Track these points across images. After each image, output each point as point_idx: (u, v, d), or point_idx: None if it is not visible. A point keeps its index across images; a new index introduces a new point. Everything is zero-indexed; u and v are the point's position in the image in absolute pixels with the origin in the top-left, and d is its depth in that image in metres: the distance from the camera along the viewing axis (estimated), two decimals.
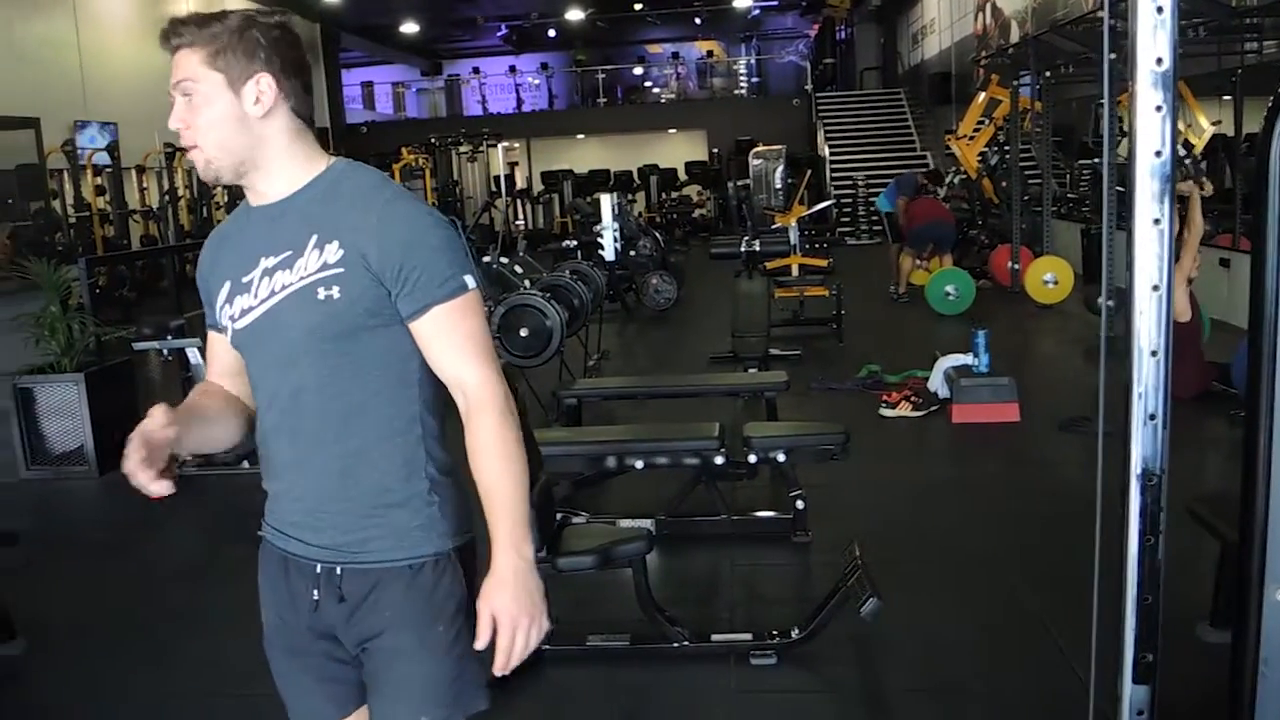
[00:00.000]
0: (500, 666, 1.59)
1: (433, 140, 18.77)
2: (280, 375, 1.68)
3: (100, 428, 5.97)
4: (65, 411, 6.02)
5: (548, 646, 3.46)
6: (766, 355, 7.67)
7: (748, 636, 3.50)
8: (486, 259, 8.49)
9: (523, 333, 6.81)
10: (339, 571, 1.70)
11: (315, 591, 1.72)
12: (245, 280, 1.69)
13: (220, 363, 1.83)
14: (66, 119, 13.28)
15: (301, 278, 1.63)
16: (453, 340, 1.64)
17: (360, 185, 1.68)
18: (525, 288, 7.65)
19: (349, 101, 25.03)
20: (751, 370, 7.39)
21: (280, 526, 1.76)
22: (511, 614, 1.59)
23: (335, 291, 1.61)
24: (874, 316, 10.27)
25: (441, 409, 1.75)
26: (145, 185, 15.23)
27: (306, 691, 1.82)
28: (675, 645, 3.47)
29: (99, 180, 13.50)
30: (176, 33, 1.63)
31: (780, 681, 3.35)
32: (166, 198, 14.69)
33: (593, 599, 3.99)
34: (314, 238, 1.63)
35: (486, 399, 1.64)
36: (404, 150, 17.52)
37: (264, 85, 1.64)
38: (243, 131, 1.64)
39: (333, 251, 1.62)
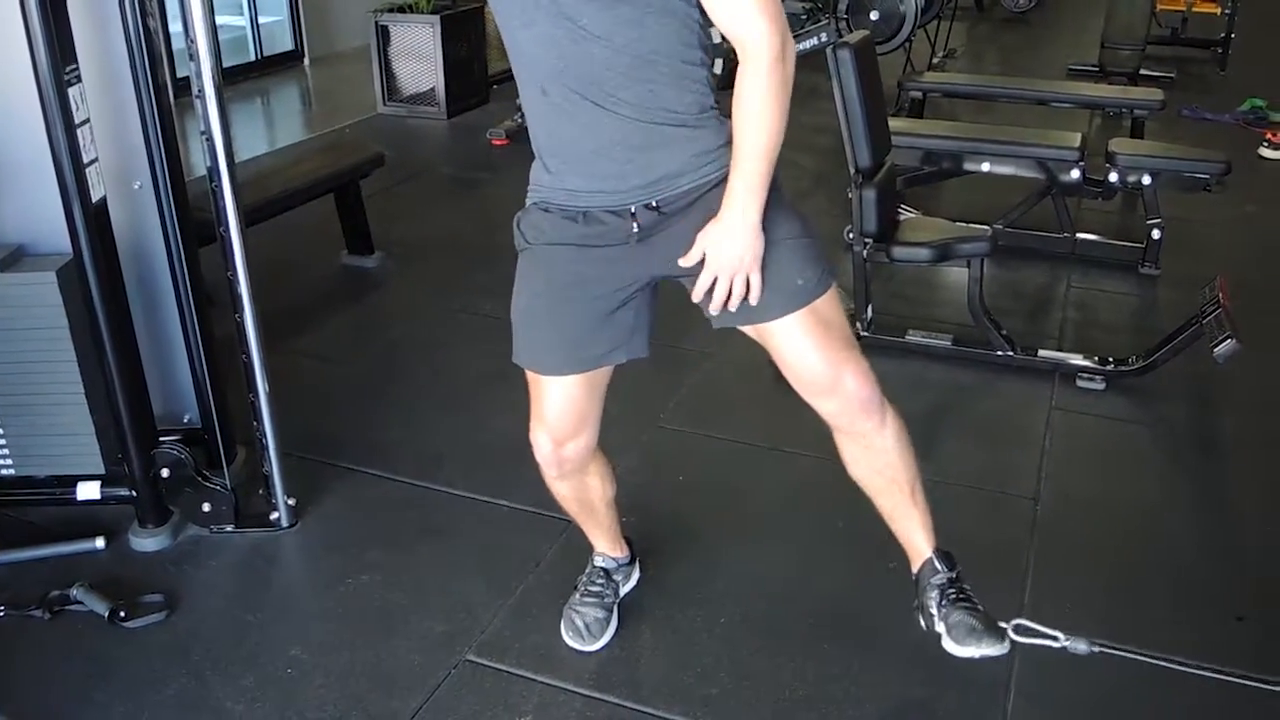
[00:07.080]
0: (716, 307, 1.69)
1: None
2: (561, 28, 1.61)
3: (450, 72, 6.24)
4: (419, 54, 6.31)
5: (866, 334, 3.44)
6: (1137, 72, 6.87)
7: (1078, 358, 3.32)
8: None
9: (873, 15, 6.40)
10: (655, 203, 1.70)
11: (635, 224, 1.71)
12: None
13: None
14: None
15: None
16: None
17: None
18: None
19: None
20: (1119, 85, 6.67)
21: (575, 188, 1.73)
22: (731, 265, 1.65)
23: None
24: (1268, 45, 8.94)
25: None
26: None
27: (577, 328, 1.79)
28: (999, 354, 3.34)
29: None
30: None
31: (1104, 407, 3.20)
32: None
33: (915, 296, 3.89)
34: None
35: (761, 49, 1.59)
36: None
37: None
38: None
39: None
